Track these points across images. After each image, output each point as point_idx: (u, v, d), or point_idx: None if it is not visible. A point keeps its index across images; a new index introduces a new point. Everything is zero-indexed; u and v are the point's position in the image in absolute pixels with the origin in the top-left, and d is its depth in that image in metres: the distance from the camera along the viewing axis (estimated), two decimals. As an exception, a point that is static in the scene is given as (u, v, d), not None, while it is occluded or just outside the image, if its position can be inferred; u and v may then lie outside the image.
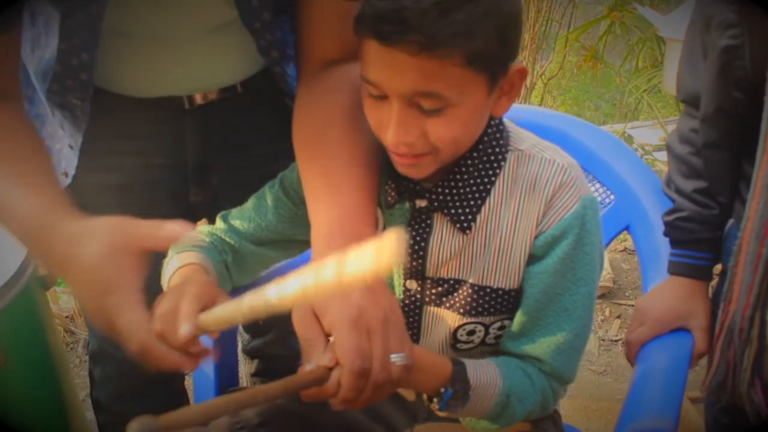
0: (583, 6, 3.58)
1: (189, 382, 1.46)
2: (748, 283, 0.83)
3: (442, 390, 0.82)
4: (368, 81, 0.77)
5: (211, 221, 0.97)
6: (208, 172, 1.11)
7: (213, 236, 0.93)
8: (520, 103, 3.33)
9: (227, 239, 0.93)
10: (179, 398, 1.33)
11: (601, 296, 2.41)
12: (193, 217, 1.13)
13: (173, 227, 0.69)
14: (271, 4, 0.90)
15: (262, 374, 1.55)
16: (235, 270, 0.93)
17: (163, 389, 1.28)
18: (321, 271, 0.60)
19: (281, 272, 1.03)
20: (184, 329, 0.67)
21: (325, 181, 0.83)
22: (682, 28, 1.02)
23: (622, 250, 2.62)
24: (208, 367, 1.03)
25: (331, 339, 0.73)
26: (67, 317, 2.17)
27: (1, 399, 1.17)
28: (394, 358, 0.73)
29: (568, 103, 4.93)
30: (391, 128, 0.76)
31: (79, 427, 1.40)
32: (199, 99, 1.03)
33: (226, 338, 1.09)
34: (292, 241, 0.95)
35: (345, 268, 0.58)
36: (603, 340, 2.24)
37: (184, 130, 1.06)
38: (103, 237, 0.69)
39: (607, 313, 2.36)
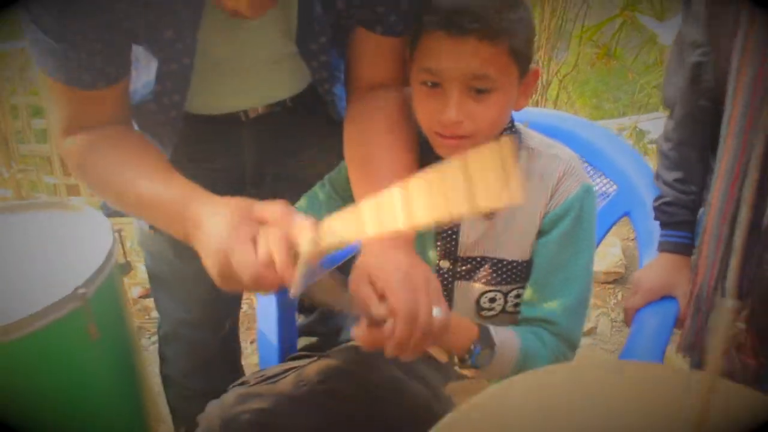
0: (596, 5, 3.71)
1: (246, 362, 1.65)
2: (712, 259, 0.98)
3: (472, 347, 0.99)
4: (428, 70, 0.96)
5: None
6: (262, 174, 1.28)
7: None
8: (537, 98, 3.50)
9: None
10: (237, 374, 1.50)
11: (614, 281, 2.57)
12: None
13: (276, 204, 0.86)
14: (327, 43, 1.07)
15: (304, 349, 1.74)
16: None
17: (223, 366, 1.48)
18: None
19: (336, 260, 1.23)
20: (304, 252, 0.81)
21: (373, 187, 1.01)
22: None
23: (633, 239, 2.77)
24: (272, 335, 1.22)
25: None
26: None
27: (91, 371, 1.36)
28: (435, 311, 0.88)
29: (586, 95, 5.02)
30: (452, 107, 0.94)
31: (150, 398, 1.60)
32: (253, 113, 1.20)
33: (287, 311, 1.28)
34: None
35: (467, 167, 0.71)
36: (615, 321, 2.39)
37: (242, 139, 1.22)
38: (225, 212, 0.85)
39: (619, 297, 2.50)
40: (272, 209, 0.85)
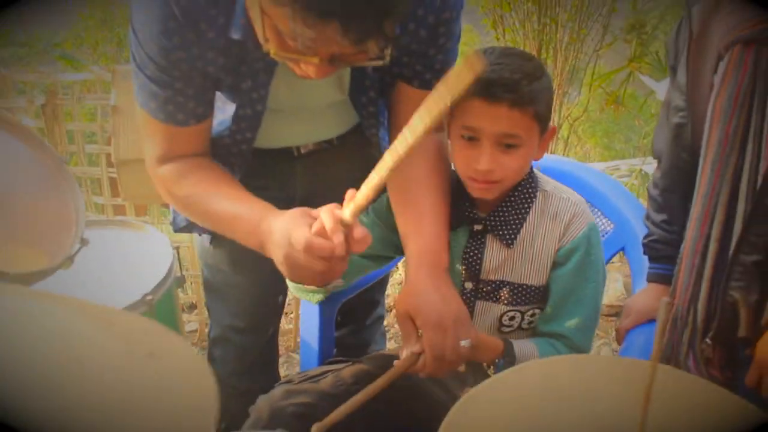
0: (607, 56, 3.94)
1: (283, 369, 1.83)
2: (686, 285, 1.15)
3: (497, 360, 1.19)
4: (468, 127, 1.15)
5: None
6: (310, 202, 1.45)
7: None
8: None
9: None
10: (275, 377, 1.69)
11: (615, 314, 2.74)
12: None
13: (327, 208, 1.04)
14: (375, 95, 1.28)
15: (337, 361, 1.91)
16: None
17: (263, 369, 1.66)
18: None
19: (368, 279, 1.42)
20: (347, 213, 0.99)
21: (413, 219, 1.20)
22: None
23: (635, 275, 2.95)
24: (313, 342, 1.41)
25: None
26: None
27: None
28: (463, 342, 1.10)
29: (598, 135, 5.22)
30: (485, 158, 1.14)
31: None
32: (305, 149, 1.39)
33: (327, 321, 1.47)
34: (381, 257, 1.33)
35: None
36: (615, 350, 2.56)
37: (294, 171, 1.42)
38: (289, 214, 1.07)
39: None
40: (323, 207, 1.05)
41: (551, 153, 3.26)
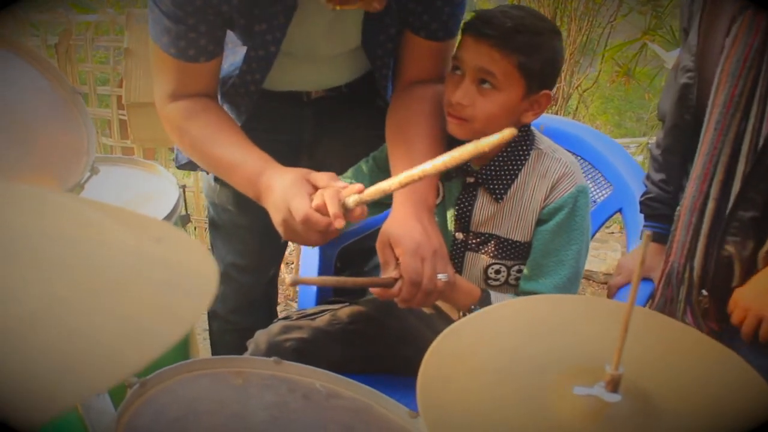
0: (621, 27, 3.92)
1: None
2: (683, 242, 1.19)
3: (472, 307, 1.21)
4: (455, 57, 1.20)
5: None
6: (316, 147, 1.50)
7: None
8: (557, 109, 3.71)
9: None
10: (272, 316, 1.73)
11: (612, 283, 2.80)
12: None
13: (326, 174, 1.11)
14: (388, 42, 1.30)
15: (334, 302, 1.95)
16: None
17: (263, 309, 1.71)
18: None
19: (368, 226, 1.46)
20: (351, 201, 1.07)
21: (406, 159, 1.22)
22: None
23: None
24: (312, 287, 1.46)
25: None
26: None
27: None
28: (440, 276, 1.13)
29: (609, 112, 5.20)
30: (460, 90, 1.18)
31: (194, 339, 1.82)
32: (315, 94, 1.42)
33: (327, 259, 1.51)
34: (380, 203, 1.35)
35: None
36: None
37: (303, 115, 1.45)
38: (290, 175, 1.12)
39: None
40: (323, 176, 1.12)
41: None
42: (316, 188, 1.11)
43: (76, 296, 0.40)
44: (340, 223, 1.06)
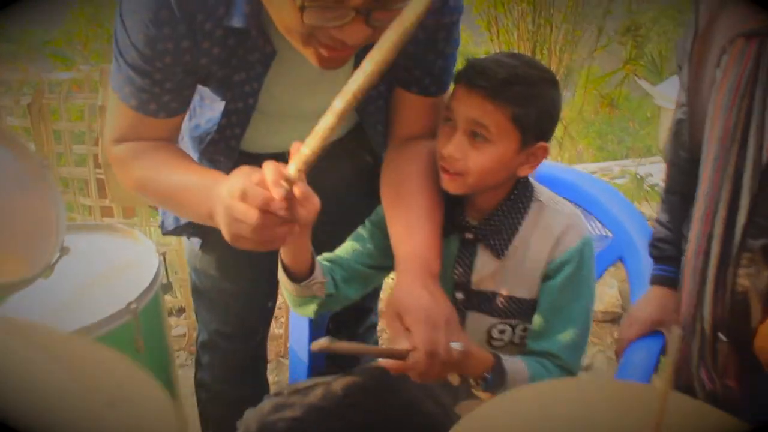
0: (601, 58, 3.92)
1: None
2: (690, 290, 1.13)
3: (486, 375, 1.13)
4: (448, 107, 1.15)
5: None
6: None
7: (323, 258, 1.25)
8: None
9: (334, 258, 1.25)
10: (263, 384, 1.66)
11: (611, 320, 2.72)
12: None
13: (271, 162, 0.93)
14: (378, 98, 1.25)
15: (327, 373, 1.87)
16: (341, 281, 1.23)
17: (252, 376, 1.63)
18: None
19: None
20: (292, 168, 0.90)
21: (404, 221, 1.16)
22: (669, 97, 1.38)
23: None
24: (303, 353, 1.37)
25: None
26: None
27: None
28: (454, 345, 1.04)
29: (591, 136, 5.22)
30: (452, 143, 1.12)
31: (180, 409, 1.74)
32: None
33: (318, 330, 1.43)
34: (383, 267, 1.28)
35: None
36: (611, 358, 2.53)
37: None
38: (234, 172, 0.96)
39: (615, 335, 2.65)
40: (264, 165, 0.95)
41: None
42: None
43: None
44: (278, 193, 0.90)
